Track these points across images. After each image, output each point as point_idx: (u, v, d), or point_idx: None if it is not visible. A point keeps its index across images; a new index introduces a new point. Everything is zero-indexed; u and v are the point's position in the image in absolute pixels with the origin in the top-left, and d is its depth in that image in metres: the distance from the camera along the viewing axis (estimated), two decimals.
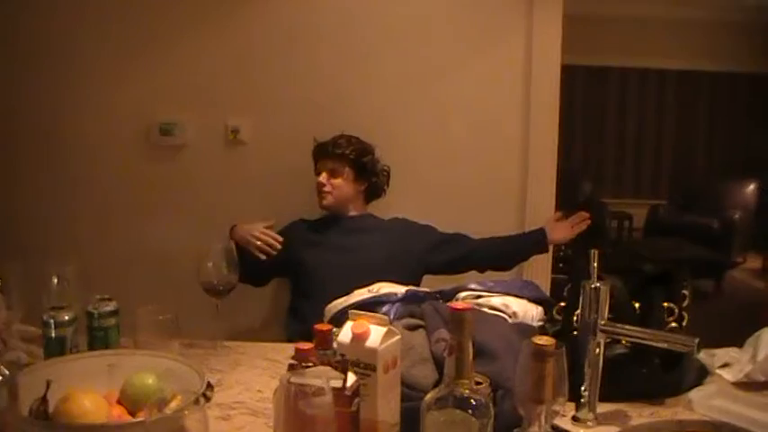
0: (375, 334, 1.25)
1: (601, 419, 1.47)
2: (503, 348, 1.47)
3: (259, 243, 2.70)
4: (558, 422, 1.37)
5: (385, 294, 1.96)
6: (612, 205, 8.21)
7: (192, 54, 3.10)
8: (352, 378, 1.19)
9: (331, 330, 1.27)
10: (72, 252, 2.89)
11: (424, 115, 3.11)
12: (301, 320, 2.57)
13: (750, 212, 7.47)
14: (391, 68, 3.09)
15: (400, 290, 1.98)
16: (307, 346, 1.22)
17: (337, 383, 1.14)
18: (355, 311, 1.33)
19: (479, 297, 1.87)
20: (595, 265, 1.46)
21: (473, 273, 2.77)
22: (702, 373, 1.71)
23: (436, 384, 1.22)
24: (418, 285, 2.36)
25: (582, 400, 1.47)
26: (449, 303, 1.41)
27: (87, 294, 1.72)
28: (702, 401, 1.54)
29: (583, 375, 1.46)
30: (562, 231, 2.82)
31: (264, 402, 1.56)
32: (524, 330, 1.68)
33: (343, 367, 1.19)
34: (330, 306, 1.99)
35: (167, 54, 3.10)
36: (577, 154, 8.64)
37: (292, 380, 1.06)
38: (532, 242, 2.85)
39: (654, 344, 1.46)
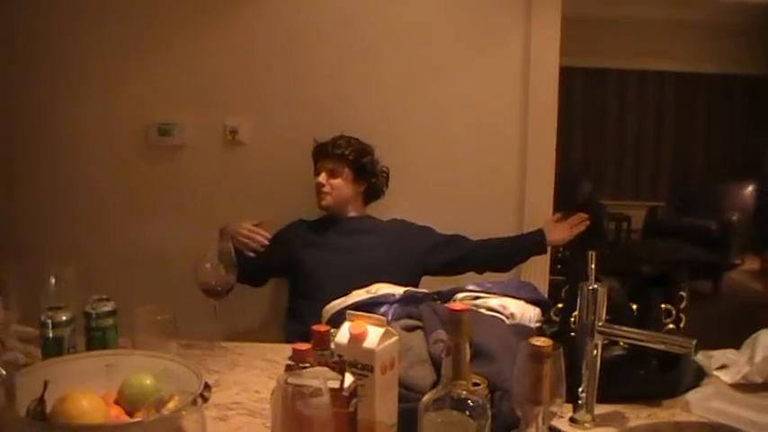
0: (373, 335, 1.25)
1: (598, 421, 1.47)
2: (500, 349, 1.47)
3: (245, 240, 2.70)
4: (556, 423, 1.37)
5: (383, 295, 1.96)
6: (611, 207, 8.22)
7: (190, 54, 3.10)
8: (349, 379, 1.19)
9: (329, 331, 1.27)
10: (70, 252, 2.90)
11: (422, 116, 3.11)
12: (299, 321, 2.57)
13: (748, 214, 7.48)
14: (390, 69, 3.09)
15: (398, 291, 1.98)
16: (304, 346, 1.23)
17: (335, 384, 1.14)
18: (353, 312, 1.33)
19: (477, 298, 1.87)
20: (593, 266, 1.46)
21: (471, 274, 2.77)
22: (700, 375, 1.71)
23: (434, 385, 1.22)
24: (417, 286, 2.36)
25: (579, 402, 1.47)
26: (446, 304, 1.41)
27: (85, 294, 1.72)
28: (700, 403, 1.54)
29: (580, 377, 1.46)
30: (561, 232, 2.82)
31: (262, 403, 1.56)
32: (522, 332, 1.67)
33: (340, 368, 1.19)
34: (328, 307, 1.99)
35: (166, 54, 3.10)
36: (576, 155, 8.65)
37: (290, 380, 1.06)
38: (531, 243, 2.85)
39: (651, 345, 1.46)
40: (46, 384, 1.29)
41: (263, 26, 3.08)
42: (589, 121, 8.68)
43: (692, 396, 1.58)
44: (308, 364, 1.20)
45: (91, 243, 3.09)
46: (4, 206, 3.09)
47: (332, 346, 1.27)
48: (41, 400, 1.28)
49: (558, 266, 3.29)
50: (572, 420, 1.47)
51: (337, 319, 1.69)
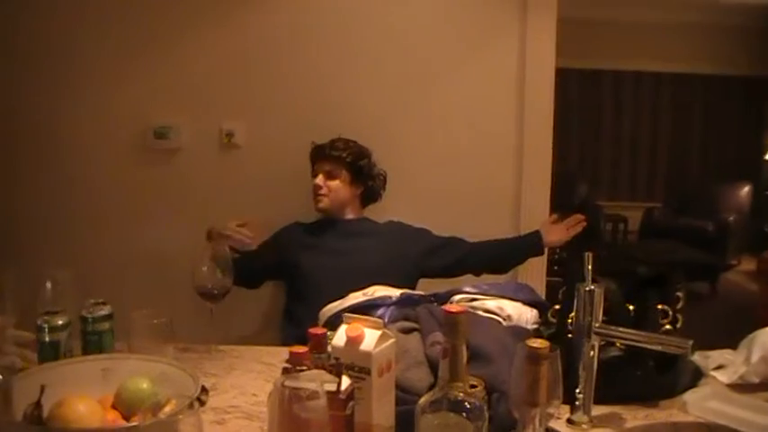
0: (369, 337, 1.25)
1: (595, 422, 1.48)
2: (497, 351, 1.47)
3: (230, 241, 2.68)
4: (553, 425, 1.37)
5: (380, 297, 1.96)
6: (608, 208, 8.25)
7: (186, 57, 3.09)
8: (346, 381, 1.19)
9: (325, 334, 1.27)
10: (66, 255, 2.89)
11: (418, 119, 3.11)
12: (296, 324, 2.56)
13: (744, 215, 7.50)
14: (386, 72, 3.09)
15: (395, 293, 1.98)
16: (301, 349, 1.23)
17: (332, 387, 1.14)
18: (350, 315, 1.33)
19: (474, 300, 1.87)
20: (590, 267, 1.46)
21: (468, 276, 2.77)
22: (697, 376, 1.71)
23: (431, 388, 1.22)
24: (414, 289, 2.35)
25: (577, 403, 1.47)
26: (443, 306, 1.41)
27: (81, 298, 1.72)
28: (697, 403, 1.54)
29: (577, 378, 1.46)
30: (557, 234, 2.82)
31: (259, 406, 1.56)
32: (519, 333, 1.67)
33: (337, 371, 1.19)
34: (325, 309, 1.99)
35: (162, 57, 3.09)
36: (573, 157, 8.66)
37: (287, 383, 1.06)
38: (528, 245, 2.85)
39: (648, 346, 1.46)
40: (42, 389, 1.29)
41: (260, 29, 3.08)
42: (585, 122, 8.70)
43: (689, 396, 1.58)
44: (304, 367, 1.20)
45: (87, 246, 3.08)
46: (2, 207, 3.09)
47: (329, 348, 1.27)
48: (38, 405, 1.28)
49: (555, 268, 3.29)
50: (569, 422, 1.48)
51: (334, 322, 1.69)
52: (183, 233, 2.87)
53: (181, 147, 3.13)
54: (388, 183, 2.94)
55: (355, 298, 1.98)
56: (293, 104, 3.09)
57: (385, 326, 1.31)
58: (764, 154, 8.24)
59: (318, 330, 1.27)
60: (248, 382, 1.73)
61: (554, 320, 1.74)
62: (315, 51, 3.08)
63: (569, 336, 1.55)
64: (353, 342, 1.25)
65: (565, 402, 1.33)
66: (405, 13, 3.07)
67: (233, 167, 3.14)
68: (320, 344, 1.26)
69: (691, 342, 1.36)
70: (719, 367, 1.78)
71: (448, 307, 1.09)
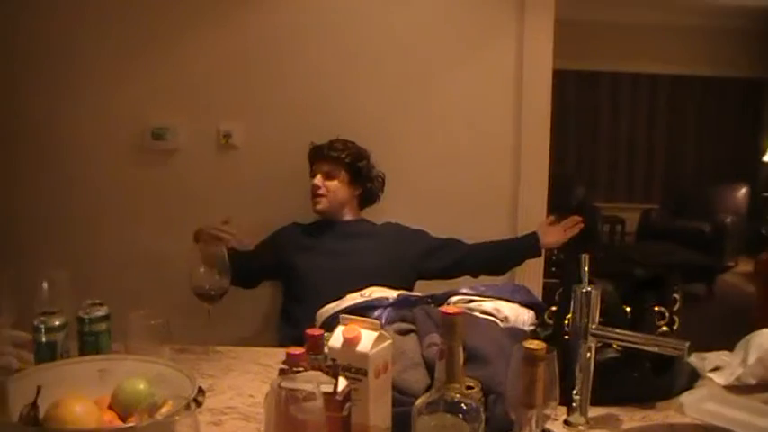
0: (366, 338, 1.26)
1: (592, 423, 1.48)
2: (494, 353, 1.47)
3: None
4: (550, 426, 1.37)
5: (377, 299, 1.96)
6: (605, 209, 8.24)
7: (184, 58, 3.09)
8: (343, 383, 1.19)
9: (322, 335, 1.27)
10: (63, 256, 2.88)
11: (416, 120, 3.11)
12: (293, 325, 2.56)
13: (742, 217, 7.51)
14: (383, 73, 3.09)
15: (392, 294, 1.98)
16: (298, 350, 1.23)
17: (328, 388, 1.14)
18: (347, 316, 1.33)
19: (471, 301, 1.87)
20: (586, 269, 1.47)
21: (466, 277, 2.77)
22: (693, 377, 1.71)
23: (428, 389, 1.22)
24: (411, 290, 2.35)
25: (573, 404, 1.47)
26: (440, 308, 1.41)
27: (78, 299, 1.71)
28: (694, 405, 1.54)
29: (574, 379, 1.46)
30: (555, 235, 2.82)
31: (256, 407, 1.55)
32: (516, 334, 1.68)
33: (334, 372, 1.19)
34: (322, 311, 1.99)
35: (160, 58, 3.09)
36: (570, 158, 8.67)
37: (283, 384, 1.06)
38: (525, 246, 2.85)
39: (645, 348, 1.46)
40: (39, 389, 1.29)
41: (258, 30, 3.08)
42: (583, 123, 8.70)
43: (685, 398, 1.58)
44: (301, 368, 1.20)
45: (84, 246, 3.08)
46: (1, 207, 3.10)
47: (326, 349, 1.27)
48: (34, 405, 1.28)
49: (552, 269, 3.29)
50: (566, 423, 1.48)
51: (331, 323, 1.69)
52: (181, 234, 2.85)
53: (178, 148, 3.13)
54: (385, 184, 2.94)
55: (352, 299, 1.98)
56: (290, 105, 3.09)
57: (382, 327, 1.31)
58: (761, 156, 8.24)
59: (315, 331, 1.27)
60: (245, 383, 1.73)
61: (551, 322, 1.74)
62: (312, 53, 3.08)
63: (566, 337, 1.55)
64: (350, 343, 1.25)
65: (561, 404, 1.33)
66: (402, 14, 3.07)
67: (230, 168, 3.14)
68: (317, 345, 1.25)
69: (687, 344, 1.36)
70: (716, 369, 1.78)
71: (445, 308, 1.09)
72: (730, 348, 1.83)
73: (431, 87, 3.11)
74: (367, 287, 2.05)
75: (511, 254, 2.89)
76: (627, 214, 8.36)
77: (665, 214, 7.97)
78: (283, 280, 2.84)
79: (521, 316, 1.84)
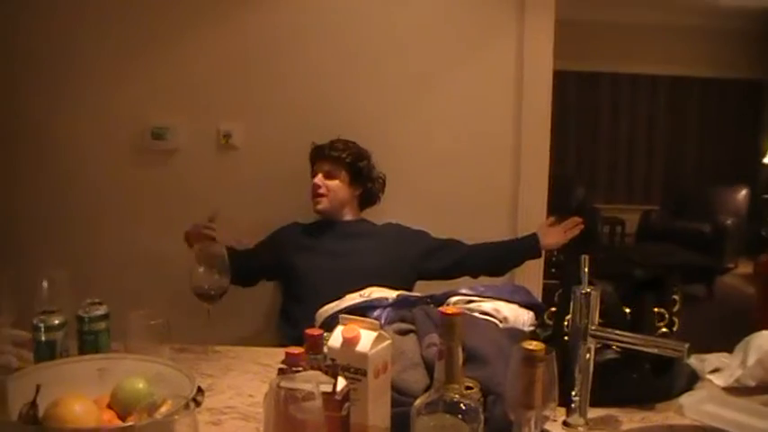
0: (365, 338, 1.26)
1: (591, 425, 1.48)
2: (494, 353, 1.47)
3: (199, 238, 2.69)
4: (549, 427, 1.37)
5: (376, 299, 1.96)
6: (605, 211, 8.25)
7: (184, 58, 3.09)
8: (342, 383, 1.19)
9: (322, 335, 1.27)
10: (63, 255, 2.89)
11: (416, 120, 3.11)
12: (293, 325, 2.56)
13: (742, 218, 7.51)
14: (383, 73, 3.10)
15: (391, 294, 1.98)
16: (297, 350, 1.23)
17: (327, 388, 1.14)
18: (346, 316, 1.33)
19: (470, 302, 1.87)
20: (586, 270, 1.46)
21: (465, 278, 2.77)
22: (693, 379, 1.71)
23: (427, 389, 1.22)
24: (411, 291, 2.35)
25: (573, 406, 1.47)
26: (439, 308, 1.41)
27: (78, 298, 1.71)
28: (693, 406, 1.54)
29: (573, 380, 1.46)
30: (555, 236, 2.82)
31: (256, 407, 1.55)
32: (515, 335, 1.68)
33: (333, 372, 1.19)
34: (322, 311, 1.99)
35: (160, 58, 3.09)
36: (570, 159, 8.67)
37: (282, 384, 1.06)
38: (525, 247, 2.85)
39: (644, 349, 1.46)
40: (38, 388, 1.29)
41: (258, 30, 3.08)
42: (583, 124, 8.70)
43: (685, 399, 1.58)
44: (300, 368, 1.19)
45: (84, 246, 3.08)
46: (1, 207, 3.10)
47: (325, 349, 1.27)
48: (33, 404, 1.28)
49: (552, 270, 3.29)
50: (565, 424, 1.48)
51: (330, 323, 1.69)
52: (180, 234, 2.85)
53: (178, 148, 3.13)
54: (386, 184, 2.94)
55: (352, 299, 1.98)
56: (290, 106, 3.09)
57: (381, 327, 1.31)
58: (762, 157, 8.24)
59: (315, 331, 1.27)
60: (245, 382, 1.73)
61: (550, 323, 1.74)
62: (312, 53, 3.08)
63: (565, 338, 1.55)
64: (349, 343, 1.25)
65: (561, 405, 1.33)
66: (402, 15, 3.07)
67: (230, 168, 3.14)
68: (316, 345, 1.25)
69: (687, 345, 1.36)
70: (716, 370, 1.78)
71: (444, 309, 1.09)
72: (730, 350, 1.83)
73: (431, 88, 3.11)
74: (367, 287, 2.05)
75: (511, 255, 2.89)
76: (627, 215, 8.36)
77: (665, 215, 7.97)
78: (283, 280, 2.84)
79: (520, 317, 1.84)
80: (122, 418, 1.36)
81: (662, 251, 6.30)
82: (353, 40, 3.08)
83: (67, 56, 3.08)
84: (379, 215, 2.93)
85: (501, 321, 1.80)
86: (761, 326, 1.87)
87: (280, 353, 1.27)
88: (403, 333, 1.65)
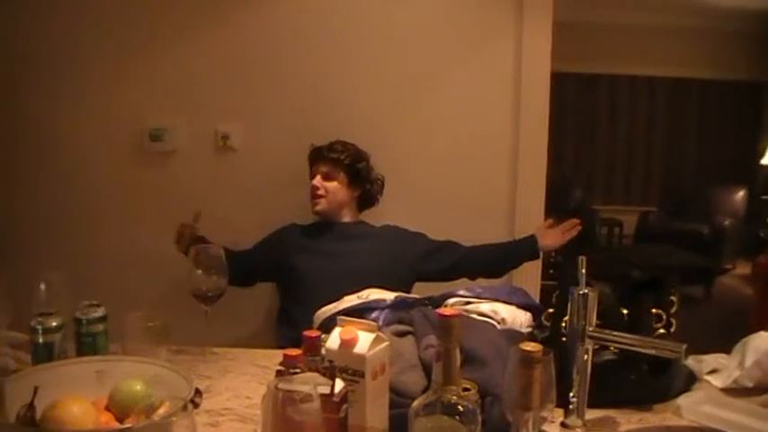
0: (363, 340, 1.26)
1: (589, 426, 1.48)
2: (492, 355, 1.47)
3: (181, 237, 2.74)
4: (547, 428, 1.37)
5: (374, 301, 1.95)
6: (603, 212, 8.25)
7: (182, 59, 3.09)
8: (340, 384, 1.19)
9: (319, 336, 1.27)
10: (61, 257, 2.88)
11: (414, 122, 3.12)
12: (291, 326, 2.56)
13: (740, 219, 7.52)
14: (382, 75, 3.10)
15: (389, 296, 1.98)
16: (295, 352, 1.23)
17: (325, 390, 1.14)
18: (344, 317, 1.33)
19: (468, 303, 1.87)
20: (583, 271, 1.47)
21: (463, 279, 2.77)
22: (691, 380, 1.71)
23: (425, 391, 1.23)
24: (409, 293, 2.36)
25: (570, 407, 1.47)
26: (437, 310, 1.41)
27: (76, 300, 1.71)
28: (691, 407, 1.54)
29: (571, 382, 1.46)
30: (553, 238, 2.82)
31: (253, 409, 1.55)
32: (513, 337, 1.68)
33: (331, 373, 1.19)
34: (319, 312, 1.98)
35: (158, 59, 3.09)
36: (568, 161, 8.67)
37: (280, 386, 1.06)
38: (523, 249, 2.85)
39: (642, 350, 1.46)
40: (36, 390, 1.29)
41: (256, 31, 3.08)
42: (581, 126, 8.70)
43: (682, 400, 1.58)
44: (298, 370, 1.19)
45: (82, 248, 3.08)
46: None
47: (323, 351, 1.27)
48: (31, 406, 1.28)
49: (550, 271, 3.29)
50: (563, 425, 1.48)
51: (328, 325, 1.69)
52: None
53: (176, 149, 3.13)
54: (384, 186, 2.94)
55: (350, 301, 1.98)
56: (288, 107, 3.09)
57: (379, 329, 1.31)
58: (760, 158, 8.25)
59: (312, 333, 1.27)
60: (242, 384, 1.73)
61: (548, 324, 1.74)
62: (310, 54, 3.09)
63: (563, 339, 1.55)
64: (347, 345, 1.25)
65: (558, 406, 1.33)
66: (400, 17, 3.07)
67: (228, 170, 3.14)
68: (314, 346, 1.25)
69: (684, 346, 1.36)
70: (713, 371, 1.78)
71: (442, 310, 1.09)
72: (727, 351, 1.83)
73: (429, 89, 3.11)
74: (365, 289, 2.05)
75: (509, 256, 2.89)
76: (625, 216, 8.36)
77: (663, 217, 7.98)
78: (281, 281, 2.84)
79: (518, 318, 1.84)
80: (120, 420, 1.36)
81: (660, 252, 6.27)
82: (352, 42, 3.08)
83: (67, 56, 3.08)
84: (377, 217, 2.93)
85: (499, 323, 1.80)
86: (759, 327, 1.87)
87: (278, 354, 1.27)
88: (401, 335, 1.65)
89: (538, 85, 3.07)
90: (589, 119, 8.79)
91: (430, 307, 1.86)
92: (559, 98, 3.79)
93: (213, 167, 3.14)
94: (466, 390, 1.30)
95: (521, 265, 2.92)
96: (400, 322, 1.73)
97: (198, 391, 1.40)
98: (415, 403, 1.09)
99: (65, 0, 3.07)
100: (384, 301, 1.95)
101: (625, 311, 1.65)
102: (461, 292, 1.91)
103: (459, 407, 1.07)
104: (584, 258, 1.47)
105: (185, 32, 3.08)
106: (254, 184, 3.11)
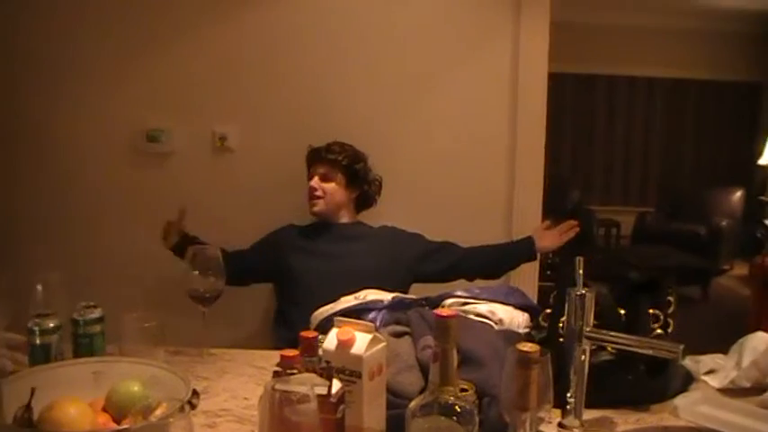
0: (360, 341, 1.26)
1: (587, 426, 1.47)
2: (489, 355, 1.47)
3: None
4: (544, 429, 1.37)
5: (371, 301, 1.96)
6: (600, 212, 8.25)
7: (179, 60, 3.09)
8: (337, 385, 1.19)
9: (316, 337, 1.27)
10: (58, 258, 2.87)
11: (412, 123, 3.12)
12: (289, 327, 2.56)
13: (737, 220, 7.52)
14: (379, 76, 3.10)
15: (387, 297, 1.98)
16: (292, 353, 1.23)
17: (322, 390, 1.14)
18: (341, 318, 1.33)
19: (466, 304, 1.87)
20: (581, 271, 1.47)
21: (461, 280, 2.77)
22: (688, 380, 1.72)
23: (422, 391, 1.23)
24: (406, 293, 2.36)
25: (568, 407, 1.47)
26: (434, 310, 1.41)
27: (73, 301, 1.71)
28: (688, 408, 1.54)
29: (568, 382, 1.46)
30: (550, 240, 2.82)
31: (251, 410, 1.55)
32: (510, 337, 1.68)
33: (328, 374, 1.19)
34: (316, 313, 1.99)
35: (156, 60, 3.09)
36: (566, 161, 8.67)
37: (277, 387, 1.06)
38: (521, 251, 2.85)
39: (639, 350, 1.46)
40: (33, 391, 1.29)
41: (254, 31, 3.08)
42: (579, 126, 8.71)
43: (680, 401, 1.58)
44: (295, 371, 1.19)
45: (80, 249, 3.07)
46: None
47: (320, 352, 1.27)
48: (28, 408, 1.28)
49: (548, 272, 3.29)
50: (560, 426, 1.47)
51: (325, 326, 1.69)
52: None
53: (173, 150, 3.13)
54: (382, 186, 2.94)
55: (347, 302, 1.99)
56: (286, 108, 3.09)
57: (376, 330, 1.31)
58: (757, 159, 8.25)
59: (309, 334, 1.27)
60: (240, 385, 1.73)
61: (545, 325, 1.74)
62: (308, 55, 3.08)
63: (560, 340, 1.55)
64: (344, 345, 1.25)
65: (556, 406, 1.33)
66: (398, 18, 3.07)
67: (226, 171, 3.14)
68: (311, 347, 1.26)
69: (681, 346, 1.36)
70: (710, 372, 1.78)
71: (439, 311, 1.09)
72: (725, 351, 1.83)
73: (426, 90, 3.11)
74: (362, 290, 2.05)
75: (506, 258, 2.89)
76: (622, 217, 8.36)
77: (661, 217, 7.98)
78: (278, 282, 2.84)
79: (515, 319, 1.84)
80: (117, 422, 1.36)
81: (657, 253, 6.26)
82: (349, 43, 3.08)
83: (67, 56, 3.08)
84: (375, 217, 2.93)
85: (496, 323, 1.80)
86: (756, 327, 1.88)
87: (275, 355, 1.27)
88: (398, 335, 1.65)
89: (535, 85, 3.07)
90: (587, 119, 8.79)
91: (427, 308, 1.86)
92: (557, 99, 3.79)
93: (211, 168, 3.14)
94: (463, 390, 1.29)
95: (518, 267, 2.92)
96: (397, 323, 1.73)
97: (195, 392, 1.40)
98: (413, 404, 1.10)
99: (65, 0, 3.07)
100: (381, 301, 1.95)
101: (622, 312, 1.65)
102: (459, 293, 1.92)
103: (457, 407, 1.07)
104: (582, 259, 1.47)
105: (183, 34, 3.08)
106: (251, 184, 3.11)
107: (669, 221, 7.75)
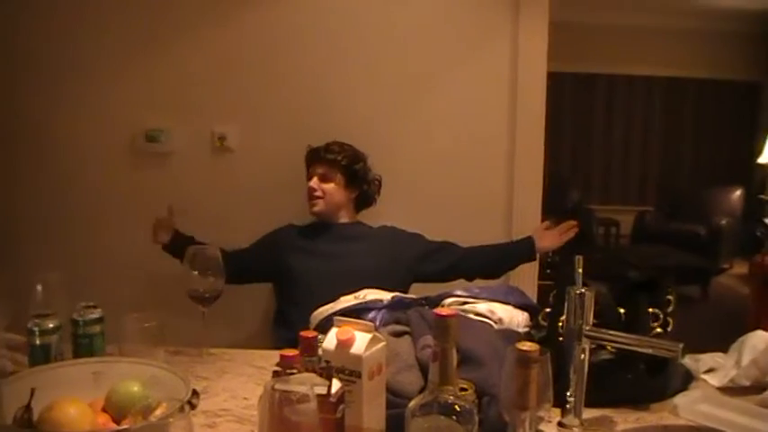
0: (360, 340, 1.26)
1: (586, 425, 1.48)
2: (489, 355, 1.47)
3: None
4: (544, 428, 1.37)
5: (371, 301, 1.96)
6: (600, 212, 8.25)
7: (179, 60, 3.09)
8: (336, 385, 1.19)
9: (316, 337, 1.27)
10: (58, 258, 2.88)
11: (411, 123, 3.12)
12: (288, 327, 2.56)
13: (737, 219, 7.52)
14: (378, 76, 3.10)
15: (386, 296, 1.98)
16: (291, 352, 1.23)
17: (322, 390, 1.14)
18: (341, 318, 1.33)
19: (465, 303, 1.87)
20: (580, 270, 1.47)
21: (460, 279, 2.77)
22: (687, 379, 1.72)
23: (422, 391, 1.23)
24: (406, 293, 2.35)
25: (567, 406, 1.47)
26: (434, 310, 1.41)
27: (73, 301, 1.71)
28: (688, 406, 1.54)
29: (568, 381, 1.46)
30: (550, 240, 2.82)
31: (251, 410, 1.56)
32: (510, 336, 1.68)
33: (327, 374, 1.19)
34: (316, 313, 1.99)
35: (155, 60, 3.09)
36: (565, 161, 8.67)
37: (277, 386, 1.06)
38: (521, 251, 2.85)
39: (639, 349, 1.46)
40: (33, 392, 1.29)
41: (253, 31, 3.08)
42: (578, 126, 8.71)
43: (679, 400, 1.58)
44: (295, 370, 1.20)
45: (80, 249, 3.07)
46: None
47: (319, 351, 1.27)
48: (28, 408, 1.28)
49: (547, 271, 3.29)
50: (560, 425, 1.48)
51: (325, 325, 1.69)
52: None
53: (173, 150, 3.13)
54: (381, 187, 2.94)
55: (347, 301, 1.98)
56: (285, 108, 3.09)
57: (376, 329, 1.31)
58: (756, 158, 8.25)
59: (309, 333, 1.27)
60: (240, 385, 1.73)
61: (545, 324, 1.74)
62: (307, 54, 3.08)
63: (560, 339, 1.55)
64: (344, 345, 1.25)
65: (555, 405, 1.33)
66: (397, 18, 3.07)
67: (225, 171, 3.13)
68: (311, 347, 1.26)
69: (681, 345, 1.36)
70: (710, 370, 1.78)
71: (439, 310, 1.09)
72: (724, 350, 1.83)
73: (426, 90, 3.11)
74: (362, 289, 2.05)
75: (506, 258, 2.89)
76: (622, 216, 8.37)
77: (660, 217, 7.98)
78: (278, 281, 2.84)
79: (515, 318, 1.84)
80: (117, 422, 1.36)
81: (657, 252, 6.31)
82: (348, 43, 3.08)
83: (67, 56, 3.08)
84: (374, 217, 2.93)
85: (496, 323, 1.80)
86: (755, 326, 1.88)
87: (274, 355, 1.27)
88: (398, 335, 1.65)
89: (534, 85, 3.07)
90: (586, 119, 8.79)
91: (427, 307, 1.86)
92: (557, 98, 3.79)
93: (210, 168, 3.14)
94: (463, 390, 1.29)
95: (518, 267, 2.93)
96: (397, 322, 1.73)
97: (195, 392, 1.40)
98: (412, 403, 1.10)
99: (65, 0, 3.07)
100: (381, 301, 1.95)
101: (622, 311, 1.65)
102: (458, 293, 1.92)
103: (456, 407, 1.07)
104: (581, 258, 1.48)
105: (183, 34, 3.08)
106: (251, 185, 3.11)
107: (668, 220, 7.76)
